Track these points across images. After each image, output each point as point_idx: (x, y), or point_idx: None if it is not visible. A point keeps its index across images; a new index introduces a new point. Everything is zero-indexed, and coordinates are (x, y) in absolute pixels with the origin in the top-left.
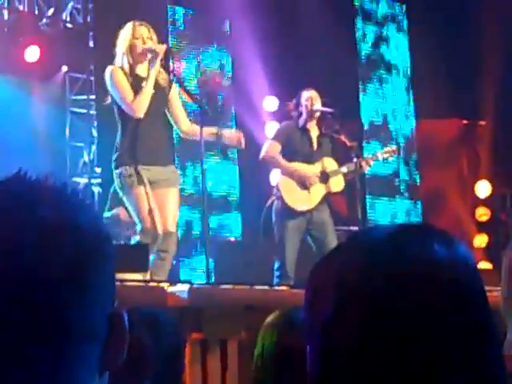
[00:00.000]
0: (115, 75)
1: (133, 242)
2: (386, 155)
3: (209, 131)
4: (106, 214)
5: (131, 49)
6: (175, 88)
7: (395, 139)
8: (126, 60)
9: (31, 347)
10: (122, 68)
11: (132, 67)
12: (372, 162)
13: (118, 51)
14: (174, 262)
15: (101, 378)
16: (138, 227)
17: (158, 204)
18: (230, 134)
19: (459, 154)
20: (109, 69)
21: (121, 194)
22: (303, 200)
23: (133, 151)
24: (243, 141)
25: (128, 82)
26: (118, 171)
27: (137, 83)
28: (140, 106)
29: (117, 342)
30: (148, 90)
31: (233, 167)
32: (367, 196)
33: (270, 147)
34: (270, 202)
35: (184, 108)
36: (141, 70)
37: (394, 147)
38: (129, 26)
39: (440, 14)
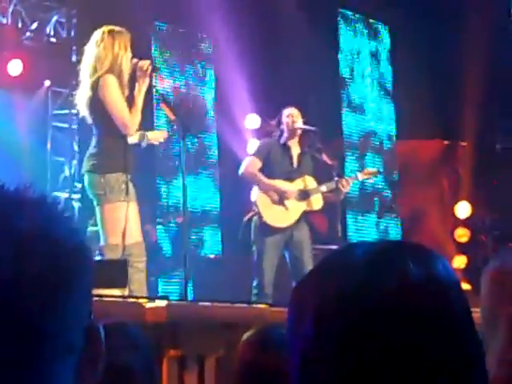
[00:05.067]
0: (111, 85)
1: (97, 257)
2: (365, 176)
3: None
4: (92, 228)
5: (118, 60)
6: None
7: (377, 157)
8: (115, 70)
9: (4, 364)
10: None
11: (121, 79)
12: (351, 183)
13: (102, 57)
14: (153, 279)
15: None
16: (102, 241)
17: (128, 217)
18: (154, 134)
19: (440, 175)
20: (103, 76)
21: (97, 201)
22: (281, 217)
23: (122, 160)
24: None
25: (122, 95)
26: (107, 176)
27: (127, 97)
28: (134, 125)
29: (93, 356)
30: (139, 108)
31: (212, 183)
32: (347, 213)
33: (249, 163)
34: (247, 217)
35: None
36: (127, 83)
37: (375, 170)
38: (108, 33)
39: (422, 34)
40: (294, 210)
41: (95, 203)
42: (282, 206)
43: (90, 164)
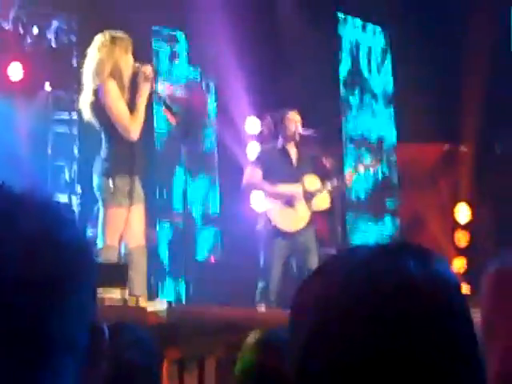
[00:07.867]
0: (112, 91)
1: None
2: (366, 167)
3: None
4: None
5: (120, 64)
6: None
7: (377, 156)
8: (116, 75)
9: (8, 364)
10: (115, 83)
11: (122, 84)
12: (354, 176)
13: (103, 62)
14: (153, 281)
15: None
16: (100, 241)
17: (131, 219)
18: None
19: (439, 179)
20: (104, 82)
21: (103, 203)
22: (292, 220)
23: (130, 163)
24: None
25: (123, 100)
26: (115, 179)
27: (130, 102)
28: (136, 129)
29: (96, 355)
30: (141, 112)
31: (213, 186)
32: (348, 216)
33: (250, 173)
34: (259, 227)
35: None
36: (128, 87)
37: (374, 160)
38: (109, 38)
39: (422, 36)
40: (304, 212)
41: (100, 204)
42: (292, 210)
43: (99, 167)
